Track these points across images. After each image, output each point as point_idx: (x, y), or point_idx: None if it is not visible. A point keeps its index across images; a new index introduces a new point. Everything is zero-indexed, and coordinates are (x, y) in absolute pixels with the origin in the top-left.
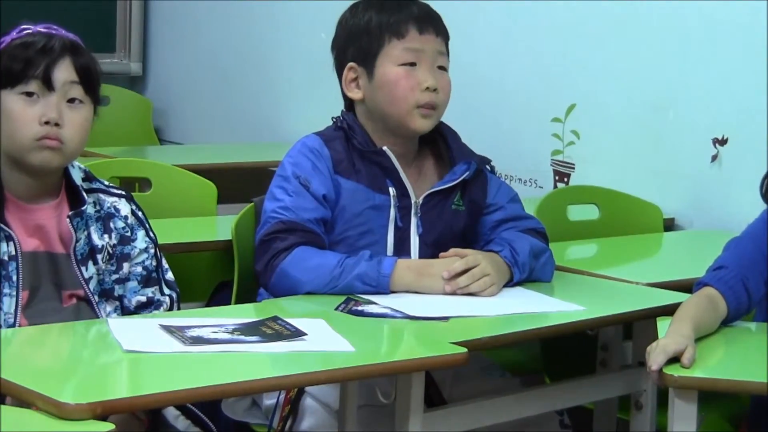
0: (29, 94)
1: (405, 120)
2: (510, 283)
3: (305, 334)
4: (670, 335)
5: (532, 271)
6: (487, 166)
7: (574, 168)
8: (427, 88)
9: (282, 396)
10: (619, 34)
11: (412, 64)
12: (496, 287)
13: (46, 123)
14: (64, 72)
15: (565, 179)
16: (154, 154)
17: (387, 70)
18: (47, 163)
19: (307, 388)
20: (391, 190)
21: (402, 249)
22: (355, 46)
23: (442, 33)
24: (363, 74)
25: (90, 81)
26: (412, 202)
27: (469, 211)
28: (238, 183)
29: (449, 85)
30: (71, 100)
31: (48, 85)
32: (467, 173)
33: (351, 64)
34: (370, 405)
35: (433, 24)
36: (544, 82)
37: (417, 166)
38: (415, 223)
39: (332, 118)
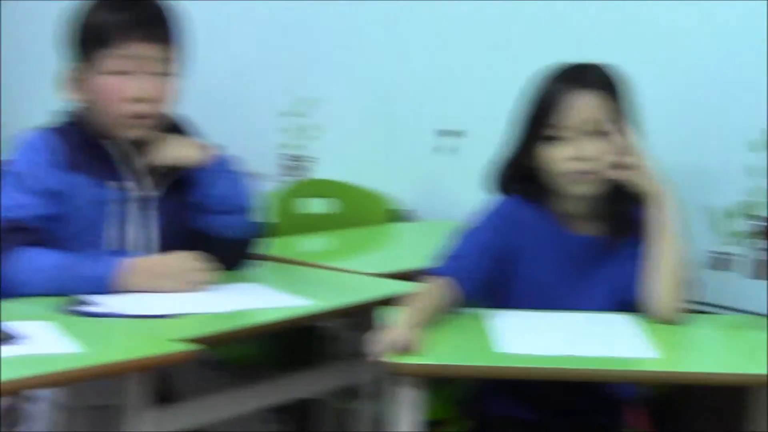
0: None
1: (117, 130)
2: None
3: (27, 338)
4: (395, 324)
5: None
6: (223, 160)
7: (308, 162)
8: (135, 99)
9: (5, 402)
10: (351, 27)
11: (124, 73)
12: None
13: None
14: None
15: (299, 173)
16: None
17: (97, 79)
18: None
19: (37, 392)
20: (114, 184)
21: (130, 244)
22: (74, 47)
23: (157, 38)
24: (80, 77)
25: None
26: (139, 196)
27: (198, 205)
28: None
29: (167, 91)
30: None
31: None
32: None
33: (72, 64)
34: (101, 406)
35: (144, 30)
36: (276, 76)
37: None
38: (142, 218)
39: (58, 110)
